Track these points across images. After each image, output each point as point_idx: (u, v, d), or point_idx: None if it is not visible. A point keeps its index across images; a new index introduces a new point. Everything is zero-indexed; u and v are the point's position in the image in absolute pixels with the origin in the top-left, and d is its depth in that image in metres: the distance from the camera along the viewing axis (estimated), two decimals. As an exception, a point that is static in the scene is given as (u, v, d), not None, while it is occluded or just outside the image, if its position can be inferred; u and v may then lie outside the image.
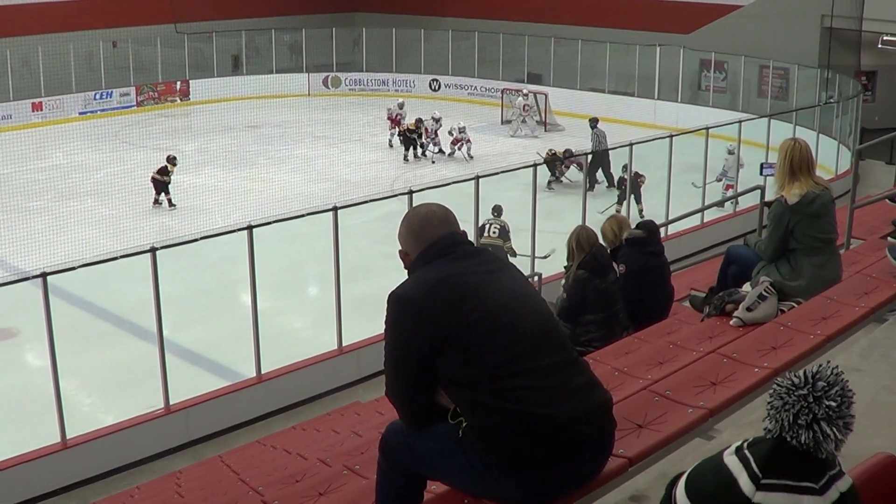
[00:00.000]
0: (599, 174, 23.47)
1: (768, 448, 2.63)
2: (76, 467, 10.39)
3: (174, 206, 22.77)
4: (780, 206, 6.23)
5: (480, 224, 15.35)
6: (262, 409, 11.78)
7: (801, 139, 6.48)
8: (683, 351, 5.39)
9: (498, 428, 3.34)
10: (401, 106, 29.40)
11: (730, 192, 21.13)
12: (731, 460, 2.67)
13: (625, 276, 7.78)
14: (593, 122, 25.70)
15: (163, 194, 22.82)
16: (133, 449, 10.79)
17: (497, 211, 16.74)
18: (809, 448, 2.56)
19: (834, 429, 2.56)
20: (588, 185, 22.30)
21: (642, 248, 7.95)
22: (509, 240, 16.19)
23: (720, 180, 21.66)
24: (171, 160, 23.03)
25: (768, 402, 2.67)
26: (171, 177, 22.89)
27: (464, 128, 27.67)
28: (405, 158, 27.52)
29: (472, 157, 27.14)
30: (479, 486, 3.49)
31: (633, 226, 8.41)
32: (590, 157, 22.66)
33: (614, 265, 7.81)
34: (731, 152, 21.43)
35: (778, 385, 2.66)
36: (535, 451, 3.34)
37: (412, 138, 27.71)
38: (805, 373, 2.63)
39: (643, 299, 7.76)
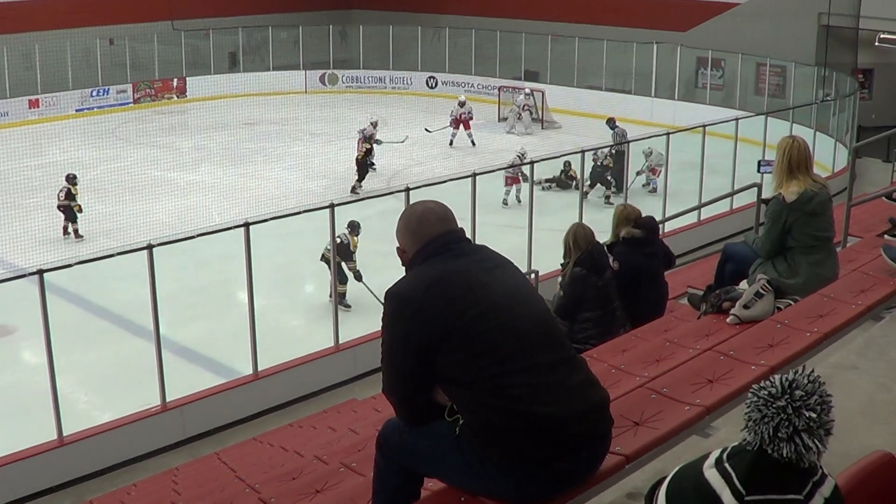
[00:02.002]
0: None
1: (749, 461, 2.58)
2: (73, 465, 10.40)
3: (81, 237, 19.78)
4: (778, 203, 6.23)
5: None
6: (258, 406, 11.79)
7: (800, 137, 6.47)
8: (680, 348, 5.40)
9: (495, 426, 3.34)
10: (374, 125, 25.43)
11: (656, 177, 21.95)
12: (711, 474, 2.61)
13: (618, 274, 7.77)
14: (611, 123, 24.95)
15: (70, 223, 19.97)
16: (129, 446, 10.80)
17: (353, 227, 15.19)
18: (792, 461, 2.52)
19: (815, 440, 2.52)
20: (615, 186, 22.25)
21: (639, 249, 7.89)
22: (353, 260, 15.03)
23: (641, 173, 22.23)
24: (71, 179, 20.22)
25: (746, 413, 2.61)
26: (78, 200, 19.99)
27: (464, 101, 27.67)
28: (353, 190, 23.25)
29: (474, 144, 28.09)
30: (475, 484, 3.49)
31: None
32: (612, 158, 22.49)
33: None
34: (646, 154, 21.99)
35: (754, 395, 2.60)
36: (532, 449, 3.34)
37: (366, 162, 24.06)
38: (781, 382, 2.57)
39: (635, 296, 7.76)
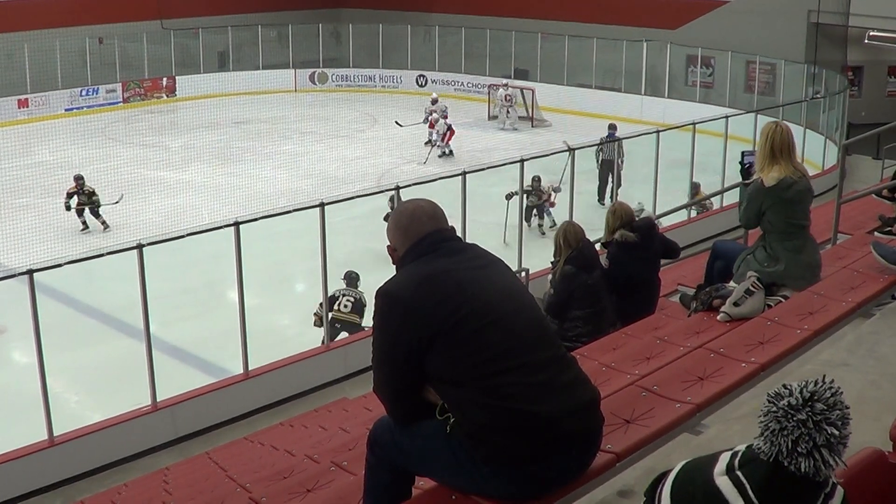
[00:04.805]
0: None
1: (764, 473, 2.49)
2: (63, 465, 10.36)
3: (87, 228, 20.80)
4: (756, 186, 6.28)
5: (331, 294, 12.86)
6: (249, 405, 11.75)
7: (784, 123, 6.50)
8: (671, 346, 5.40)
9: (486, 424, 3.34)
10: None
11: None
12: (723, 482, 2.54)
13: (609, 274, 7.76)
14: (611, 128, 23.70)
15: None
16: (120, 446, 10.76)
17: (350, 279, 13.77)
18: (809, 475, 2.45)
19: (835, 456, 2.44)
20: (599, 197, 22.13)
21: (633, 253, 7.80)
22: (363, 315, 13.32)
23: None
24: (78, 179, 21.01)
25: (761, 421, 2.51)
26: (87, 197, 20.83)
27: (436, 99, 27.42)
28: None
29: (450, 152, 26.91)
30: (466, 482, 3.48)
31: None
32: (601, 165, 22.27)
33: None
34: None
35: (773, 403, 2.49)
36: (523, 448, 3.34)
37: None
38: (802, 393, 2.46)
39: (626, 295, 7.75)
